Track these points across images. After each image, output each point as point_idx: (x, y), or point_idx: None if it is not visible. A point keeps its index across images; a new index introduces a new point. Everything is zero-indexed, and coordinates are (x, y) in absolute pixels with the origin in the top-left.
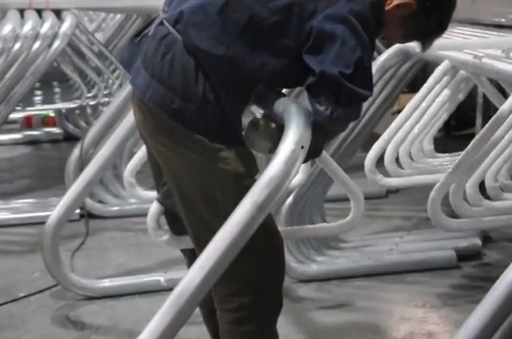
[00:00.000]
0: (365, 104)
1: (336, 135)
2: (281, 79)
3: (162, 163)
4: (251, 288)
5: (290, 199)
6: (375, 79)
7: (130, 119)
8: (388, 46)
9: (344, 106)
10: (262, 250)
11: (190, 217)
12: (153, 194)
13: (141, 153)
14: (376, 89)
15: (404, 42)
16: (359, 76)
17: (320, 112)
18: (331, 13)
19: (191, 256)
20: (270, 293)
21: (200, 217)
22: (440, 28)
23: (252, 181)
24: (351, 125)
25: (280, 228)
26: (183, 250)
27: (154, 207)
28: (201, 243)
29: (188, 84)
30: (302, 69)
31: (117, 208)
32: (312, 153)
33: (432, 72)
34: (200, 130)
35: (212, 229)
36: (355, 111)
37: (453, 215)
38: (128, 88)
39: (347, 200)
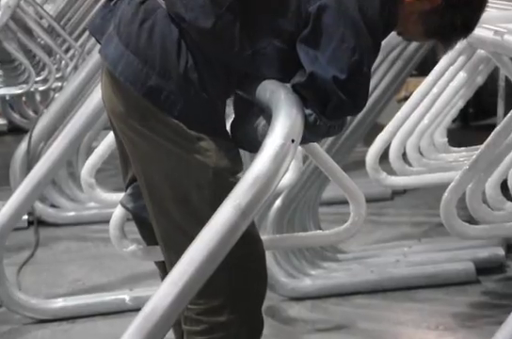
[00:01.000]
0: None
1: (305, 143)
2: (274, 66)
3: (130, 153)
4: (226, 307)
5: (278, 201)
6: (378, 59)
7: (88, 106)
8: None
9: (329, 117)
10: (240, 262)
11: (160, 220)
12: (117, 197)
13: (103, 147)
14: (379, 72)
15: (422, 41)
16: (353, 84)
17: (306, 115)
18: (334, 3)
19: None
20: (249, 312)
21: (172, 220)
22: (465, 29)
23: (235, 179)
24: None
25: (267, 236)
26: (157, 262)
27: (118, 212)
28: (172, 251)
29: (168, 58)
30: (299, 59)
31: (73, 214)
32: None
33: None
34: (177, 114)
35: (185, 234)
36: (339, 125)
37: (470, 220)
38: (85, 70)
39: (346, 203)
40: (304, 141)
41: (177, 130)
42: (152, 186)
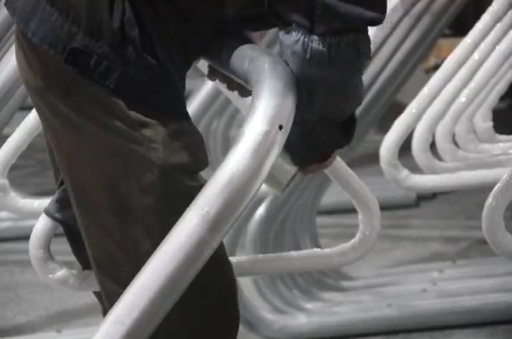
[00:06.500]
0: (381, 57)
1: (346, 88)
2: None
3: (52, 142)
4: None
5: (261, 209)
6: (397, 14)
7: (1, 73)
8: None
9: (323, 33)
10: (200, 297)
11: (93, 236)
12: (40, 203)
13: (18, 135)
14: (398, 31)
15: None
16: None
17: (289, 46)
18: None
19: None
20: None
21: (108, 236)
22: None
23: (196, 179)
24: None
25: (246, 257)
26: (97, 293)
27: (42, 224)
28: (110, 278)
29: (97, 9)
30: None
31: None
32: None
33: (489, 4)
34: (114, 86)
35: (127, 255)
36: (351, 43)
37: None
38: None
39: (353, 211)
40: (333, 88)
41: (112, 110)
42: (80, 192)
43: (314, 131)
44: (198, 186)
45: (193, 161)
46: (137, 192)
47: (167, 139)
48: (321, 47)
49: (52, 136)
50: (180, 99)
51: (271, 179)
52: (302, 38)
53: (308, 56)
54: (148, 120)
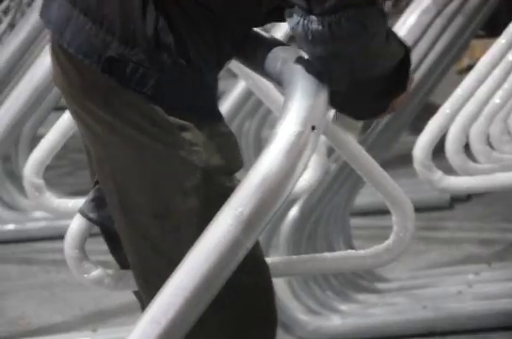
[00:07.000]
0: (413, 58)
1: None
2: None
3: (92, 147)
4: None
5: (295, 210)
6: (430, 14)
7: (31, 79)
8: None
9: (321, 12)
10: (237, 298)
11: (132, 239)
12: (75, 203)
13: (53, 135)
14: (431, 32)
15: None
16: None
17: (293, 29)
18: None
19: None
20: None
21: (148, 238)
22: None
23: (231, 180)
24: None
25: (279, 258)
26: (136, 292)
27: (77, 224)
28: (149, 281)
29: (130, 16)
30: None
31: (12, 227)
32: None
33: None
34: (151, 92)
35: (165, 257)
36: (353, 18)
37: None
38: (25, 29)
39: (387, 212)
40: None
41: (151, 116)
42: (120, 195)
43: (363, 90)
44: (233, 187)
45: (230, 162)
46: (180, 195)
47: (206, 142)
48: (321, 27)
49: (92, 140)
50: (214, 100)
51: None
52: (301, 20)
53: (310, 37)
54: (186, 123)
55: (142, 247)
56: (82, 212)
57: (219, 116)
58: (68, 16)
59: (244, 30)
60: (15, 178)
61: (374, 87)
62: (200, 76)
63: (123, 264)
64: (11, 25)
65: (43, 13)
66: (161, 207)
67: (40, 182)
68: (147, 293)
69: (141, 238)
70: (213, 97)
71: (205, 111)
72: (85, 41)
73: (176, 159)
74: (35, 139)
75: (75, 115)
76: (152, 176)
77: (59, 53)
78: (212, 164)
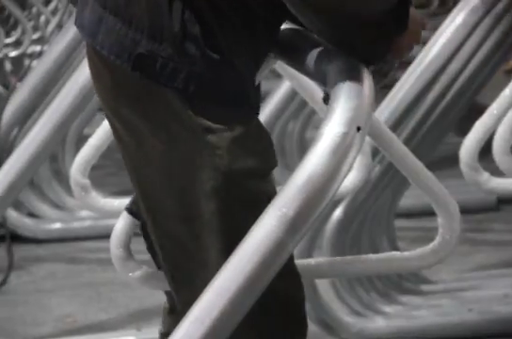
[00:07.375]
0: (461, 57)
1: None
2: None
3: (122, 151)
4: None
5: (339, 211)
6: (475, 15)
7: (78, 80)
8: None
9: None
10: (271, 303)
11: (162, 242)
12: (120, 203)
13: (98, 136)
14: (477, 32)
15: None
16: None
17: None
18: None
19: None
20: None
21: (178, 242)
22: None
23: (265, 182)
24: (438, 92)
25: (323, 259)
26: (167, 292)
27: (122, 223)
28: (178, 281)
29: (157, 12)
30: None
31: (58, 226)
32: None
33: None
34: (182, 86)
35: (195, 261)
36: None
37: None
38: (72, 30)
39: (433, 214)
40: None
41: (179, 116)
42: (148, 198)
43: (362, 26)
44: (266, 189)
45: (260, 165)
46: (204, 198)
47: (231, 145)
48: None
49: (122, 143)
50: (249, 98)
51: None
52: None
53: None
54: (214, 125)
55: (174, 253)
56: (129, 210)
57: (253, 115)
58: (99, 18)
59: (276, 20)
60: (62, 178)
61: (372, 22)
62: (232, 68)
63: (160, 264)
64: (59, 26)
65: (77, 21)
66: (187, 211)
67: (86, 181)
68: (177, 297)
69: (171, 244)
70: (248, 94)
71: (238, 109)
72: (115, 41)
73: (199, 162)
74: (81, 140)
75: (108, 120)
76: (179, 179)
77: (94, 56)
78: (235, 168)
